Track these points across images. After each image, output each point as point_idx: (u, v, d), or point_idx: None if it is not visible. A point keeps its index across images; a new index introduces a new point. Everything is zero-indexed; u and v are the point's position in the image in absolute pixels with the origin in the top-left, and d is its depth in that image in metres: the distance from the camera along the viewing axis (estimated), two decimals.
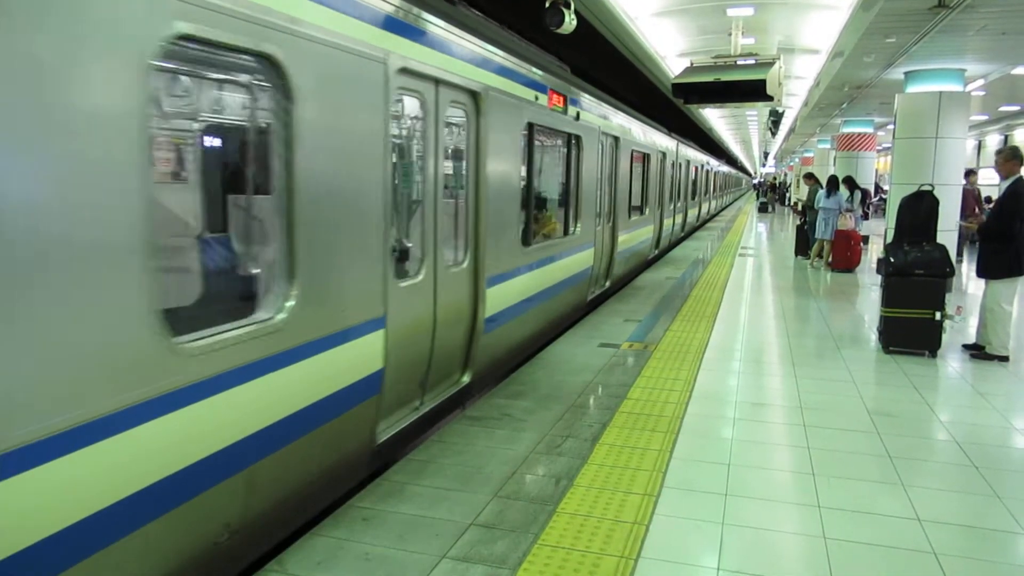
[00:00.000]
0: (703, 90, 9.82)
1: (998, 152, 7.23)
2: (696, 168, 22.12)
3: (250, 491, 3.17)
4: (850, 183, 14.10)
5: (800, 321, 9.18)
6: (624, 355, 7.01)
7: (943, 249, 7.32)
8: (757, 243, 20.46)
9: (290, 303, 3.28)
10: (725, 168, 42.12)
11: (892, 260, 7.35)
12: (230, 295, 3.81)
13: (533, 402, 5.50)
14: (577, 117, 8.09)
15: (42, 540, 2.19)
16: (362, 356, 3.91)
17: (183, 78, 3.86)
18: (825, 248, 13.91)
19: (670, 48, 12.81)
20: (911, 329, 7.17)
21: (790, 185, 42.80)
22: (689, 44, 12.62)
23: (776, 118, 20.74)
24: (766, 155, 52.30)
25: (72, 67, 2.22)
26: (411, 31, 4.29)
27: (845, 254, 13.38)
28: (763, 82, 9.34)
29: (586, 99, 8.62)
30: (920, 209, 7.47)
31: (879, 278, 8.90)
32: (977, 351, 7.18)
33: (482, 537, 3.45)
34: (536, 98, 6.63)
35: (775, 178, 57.71)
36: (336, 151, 3.59)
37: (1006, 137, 24.71)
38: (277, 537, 3.53)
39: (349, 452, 4.00)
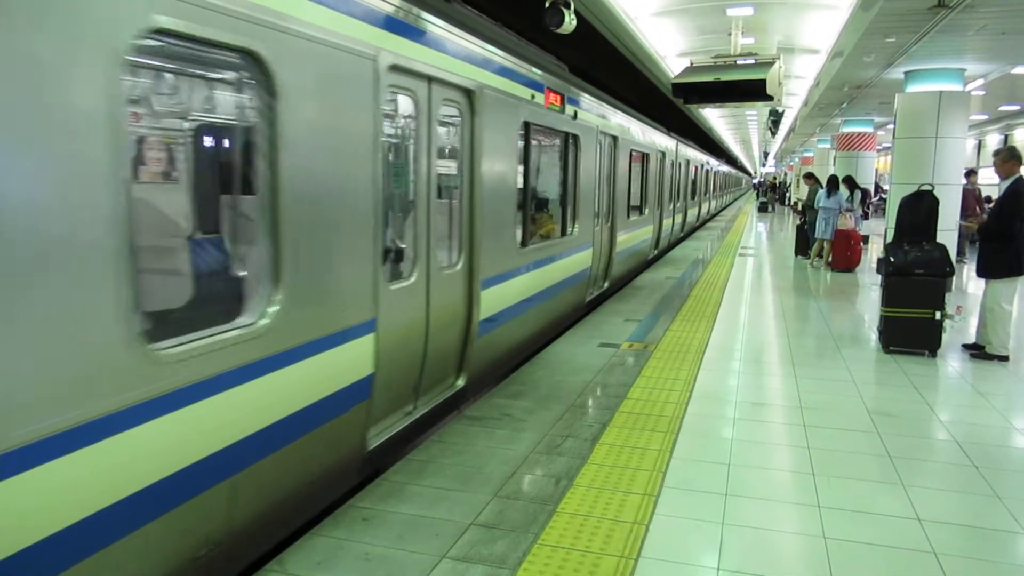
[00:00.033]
0: (703, 90, 9.82)
1: (995, 153, 7.24)
2: (696, 168, 22.10)
3: (233, 502, 3.08)
4: (850, 183, 14.11)
5: (800, 321, 9.18)
6: (624, 355, 7.01)
7: (943, 249, 7.32)
8: (757, 243, 20.46)
9: (274, 307, 3.19)
10: (725, 168, 42.10)
11: (892, 260, 7.35)
12: (211, 299, 3.71)
13: (533, 402, 5.50)
14: (575, 116, 8.03)
15: (2, 560, 2.09)
16: (351, 361, 3.83)
17: (161, 74, 3.73)
18: (825, 248, 13.91)
19: (670, 48, 12.81)
20: (911, 329, 7.17)
21: (790, 185, 42.80)
22: (689, 44, 12.62)
23: (776, 118, 20.73)
24: (766, 155, 52.30)
25: (38, 61, 2.14)
26: (403, 27, 4.21)
27: (845, 254, 13.38)
28: (763, 82, 9.34)
29: (584, 98, 8.56)
30: (920, 209, 7.47)
31: (879, 278, 8.91)
32: (977, 351, 7.18)
33: (482, 537, 3.45)
34: (533, 97, 6.56)
35: (775, 178, 57.73)
36: (323, 150, 3.51)
37: (1006, 137, 24.72)
38: (261, 549, 3.44)
39: (338, 459, 3.91)
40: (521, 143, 6.51)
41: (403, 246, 4.58)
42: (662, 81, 14.20)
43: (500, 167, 5.84)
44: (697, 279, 12.29)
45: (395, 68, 4.12)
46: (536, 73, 6.73)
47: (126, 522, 2.53)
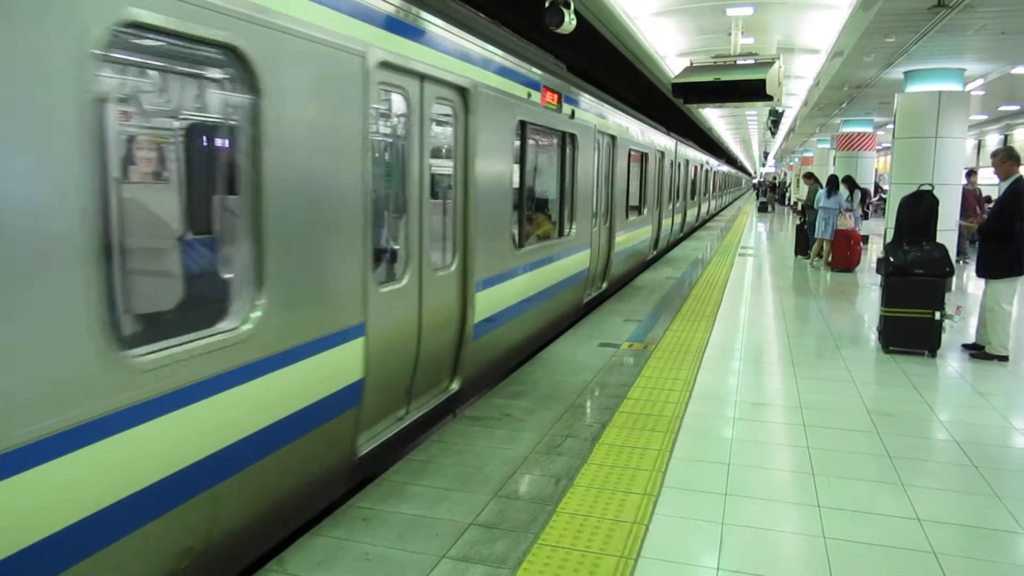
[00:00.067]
0: (703, 90, 9.82)
1: (993, 155, 7.26)
2: (695, 168, 22.08)
3: (215, 512, 2.98)
4: (850, 183, 14.12)
5: (800, 321, 9.18)
6: (624, 355, 7.01)
7: (943, 249, 7.32)
8: (757, 243, 20.47)
9: (257, 312, 3.08)
10: (725, 168, 42.09)
11: (892, 260, 7.35)
12: (189, 303, 3.60)
13: (533, 402, 5.50)
14: (572, 115, 7.95)
15: None
16: (339, 366, 3.72)
17: (137, 71, 3.57)
18: (825, 248, 13.92)
19: (670, 48, 12.81)
20: (911, 329, 7.17)
21: (790, 185, 42.81)
22: (689, 44, 12.62)
23: (776, 118, 20.75)
24: (766, 155, 52.32)
25: (2, 55, 2.05)
26: (393, 23, 4.10)
27: (845, 254, 13.39)
28: (763, 82, 9.35)
29: (582, 97, 8.48)
30: (920, 209, 7.47)
31: (879, 278, 8.92)
32: (977, 351, 7.18)
33: (482, 537, 3.45)
34: (529, 95, 6.47)
35: (775, 178, 57.75)
36: (309, 150, 3.41)
37: (1006, 137, 24.73)
38: (247, 559, 3.35)
39: (326, 467, 3.81)
40: (517, 142, 6.42)
41: (395, 247, 4.50)
42: (662, 81, 14.21)
43: (495, 167, 5.76)
44: (697, 279, 12.29)
45: (385, 65, 4.03)
46: (532, 71, 6.66)
47: (99, 536, 2.44)
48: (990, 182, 16.19)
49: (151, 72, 3.58)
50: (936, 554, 3.39)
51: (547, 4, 7.01)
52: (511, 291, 6.23)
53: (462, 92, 5.11)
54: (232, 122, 3.17)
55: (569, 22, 7.03)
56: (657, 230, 14.62)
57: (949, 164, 10.90)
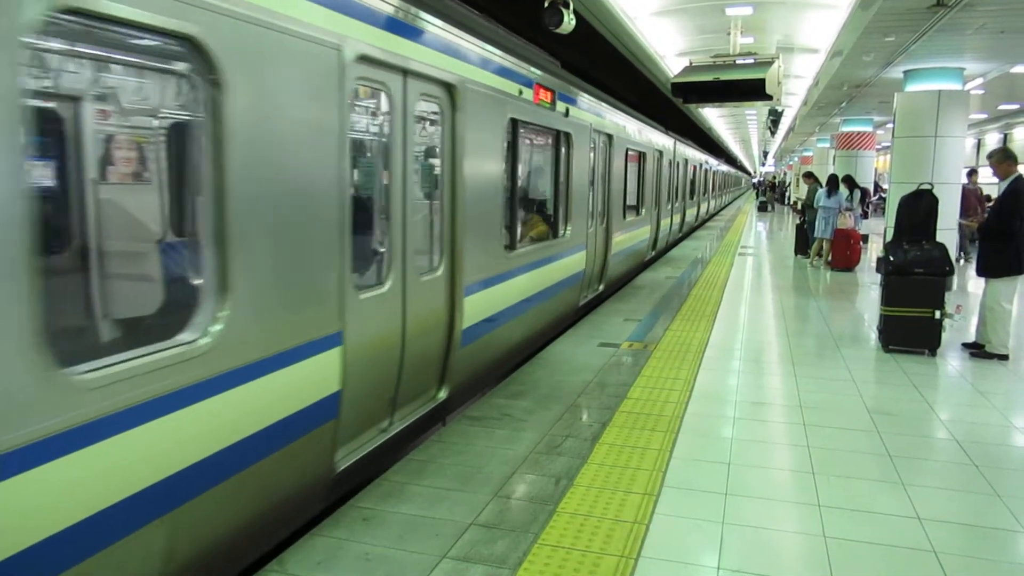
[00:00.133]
0: (702, 89, 9.82)
1: (989, 157, 7.28)
2: (695, 167, 22.06)
3: (173, 540, 2.77)
4: (849, 182, 14.12)
5: (800, 320, 9.18)
6: (624, 355, 7.01)
7: (942, 248, 7.33)
8: (756, 242, 20.47)
9: (218, 324, 2.86)
10: (724, 167, 42.07)
11: (892, 259, 7.35)
12: (144, 314, 3.37)
13: (533, 402, 5.50)
14: (567, 113, 7.80)
15: None
16: (313, 378, 3.50)
17: (76, 62, 3.27)
18: (825, 247, 13.92)
19: (669, 47, 12.82)
20: (911, 328, 7.17)
21: (789, 184, 42.83)
22: (688, 43, 12.63)
23: (775, 117, 20.76)
24: (765, 154, 52.33)
25: None
26: (372, 15, 3.88)
27: (845, 253, 13.39)
28: (762, 81, 9.34)
29: (577, 95, 8.34)
30: (919, 208, 7.47)
31: (879, 277, 8.90)
32: (977, 350, 7.18)
33: (482, 537, 3.45)
34: (520, 93, 6.27)
35: (774, 177, 57.78)
36: (277, 148, 3.19)
37: (1005, 136, 24.75)
38: None
39: (300, 485, 3.59)
40: (508, 141, 6.20)
41: (377, 251, 4.32)
42: (661, 81, 14.20)
43: (484, 166, 5.57)
44: (697, 278, 12.29)
45: (364, 59, 3.81)
46: (524, 68, 6.49)
47: (42, 570, 2.23)
48: (991, 181, 16.20)
49: (95, 65, 3.34)
50: (936, 553, 3.38)
51: (546, 4, 6.99)
52: (502, 295, 6.03)
53: (449, 88, 4.92)
54: (191, 118, 2.99)
55: (568, 22, 7.01)
56: (656, 230, 14.57)
57: (949, 163, 10.91)
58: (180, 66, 2.95)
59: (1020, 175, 6.90)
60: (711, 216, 30.66)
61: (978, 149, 27.12)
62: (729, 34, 11.01)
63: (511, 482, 4.07)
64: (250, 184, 3.02)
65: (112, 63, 3.39)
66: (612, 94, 11.37)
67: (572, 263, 8.27)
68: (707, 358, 6.86)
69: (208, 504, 2.90)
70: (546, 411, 5.28)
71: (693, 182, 21.77)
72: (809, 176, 16.62)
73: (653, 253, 14.85)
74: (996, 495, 4.06)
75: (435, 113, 4.89)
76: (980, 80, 12.41)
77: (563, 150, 7.99)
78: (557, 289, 7.73)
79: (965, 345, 7.40)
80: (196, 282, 2.95)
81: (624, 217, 11.26)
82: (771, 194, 43.82)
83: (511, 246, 6.34)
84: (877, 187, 26.44)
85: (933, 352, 7.13)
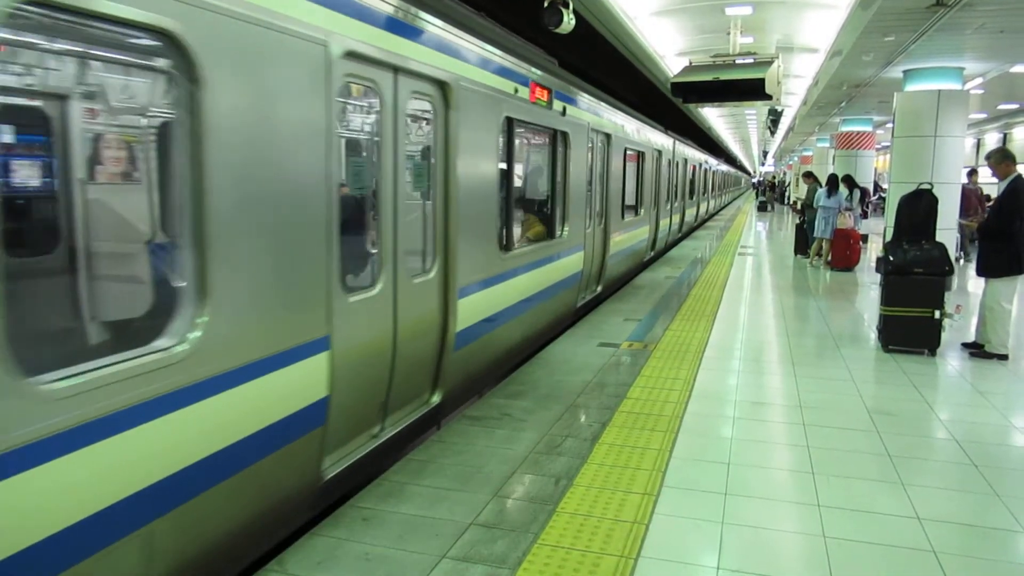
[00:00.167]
0: (702, 89, 9.82)
1: (987, 158, 7.29)
2: (694, 167, 22.04)
3: (150, 554, 2.69)
4: (849, 182, 14.12)
5: (799, 320, 9.19)
6: (624, 354, 7.01)
7: (942, 247, 7.33)
8: (756, 242, 20.48)
9: (196, 331, 2.76)
10: (724, 167, 42.07)
11: (891, 259, 7.36)
12: (117, 320, 3.25)
13: (533, 402, 5.50)
14: (564, 112, 7.72)
15: None
16: (299, 384, 3.40)
17: (42, 55, 3.15)
18: (824, 247, 13.92)
19: (669, 47, 12.82)
20: (910, 328, 7.17)
21: (789, 184, 42.84)
22: (688, 43, 12.63)
23: (775, 117, 20.77)
24: (765, 154, 52.34)
25: None
26: (361, 10, 3.78)
27: (844, 253, 13.39)
28: (762, 81, 9.35)
29: (574, 94, 8.27)
30: (919, 207, 7.47)
31: (878, 277, 8.90)
32: (976, 349, 7.18)
33: (482, 537, 3.45)
34: (516, 91, 6.16)
35: (774, 177, 57.78)
36: (261, 147, 3.10)
37: (1005, 136, 24.75)
38: None
39: (285, 494, 3.48)
40: (503, 140, 6.07)
41: (369, 252, 4.23)
42: (661, 80, 14.21)
43: (479, 166, 5.46)
44: (696, 278, 12.29)
45: (352, 55, 3.70)
46: (520, 66, 6.37)
47: None
48: (991, 181, 16.21)
49: (66, 59, 3.25)
50: (936, 553, 3.39)
51: (546, 4, 6.99)
52: (497, 297, 5.92)
53: (442, 86, 4.81)
54: (168, 116, 2.88)
55: (568, 22, 7.00)
56: (655, 231, 14.55)
57: (948, 163, 10.92)
58: (155, 62, 2.86)
59: (1019, 175, 6.91)
60: (711, 216, 30.66)
61: (978, 149, 27.14)
62: (729, 34, 11.01)
63: (511, 482, 4.07)
64: (231, 184, 2.93)
65: (85, 59, 3.30)
66: (611, 94, 11.36)
67: (569, 264, 8.19)
68: (707, 358, 6.87)
69: (186, 517, 2.81)
70: (546, 411, 5.28)
71: (692, 182, 21.76)
72: (809, 176, 16.63)
73: (652, 253, 14.83)
74: (995, 495, 4.06)
75: (428, 111, 4.81)
76: (979, 80, 12.42)
77: (560, 149, 7.92)
78: (554, 291, 7.65)
79: (965, 345, 7.40)
80: (174, 286, 2.87)
81: (622, 217, 11.22)
82: (771, 194, 43.81)
83: (506, 247, 6.23)
84: (877, 187, 26.44)
85: (933, 352, 7.13)
